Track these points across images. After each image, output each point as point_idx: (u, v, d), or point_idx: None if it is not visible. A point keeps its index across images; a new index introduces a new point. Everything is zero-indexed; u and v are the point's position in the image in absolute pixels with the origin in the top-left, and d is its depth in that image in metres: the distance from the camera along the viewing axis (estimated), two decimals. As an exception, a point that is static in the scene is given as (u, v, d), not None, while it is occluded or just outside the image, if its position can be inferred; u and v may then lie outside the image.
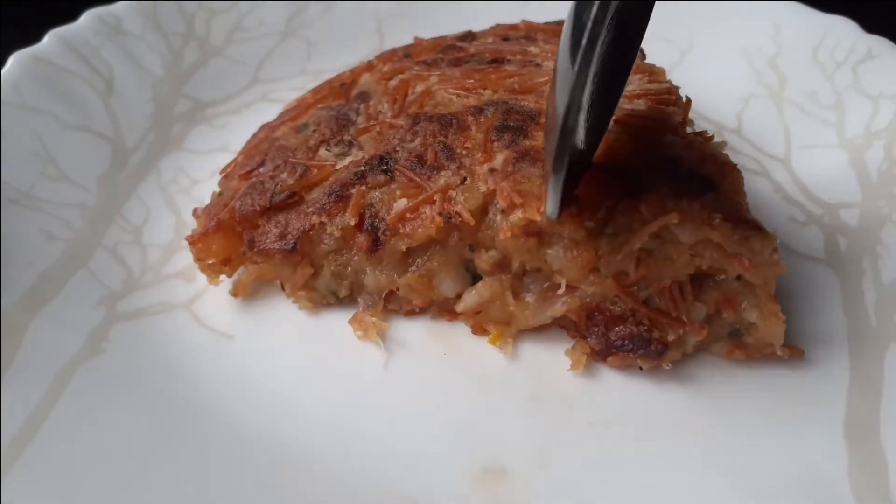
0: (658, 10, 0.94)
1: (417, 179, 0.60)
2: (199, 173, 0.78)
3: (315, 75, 0.91)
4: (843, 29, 0.87)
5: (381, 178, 0.61)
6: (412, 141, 0.62)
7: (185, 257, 0.69)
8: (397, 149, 0.62)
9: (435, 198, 0.58)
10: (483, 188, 0.57)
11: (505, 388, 0.59)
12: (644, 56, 0.77)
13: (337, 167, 0.63)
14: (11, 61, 0.76)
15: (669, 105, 0.64)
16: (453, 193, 0.58)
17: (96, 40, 0.82)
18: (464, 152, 0.60)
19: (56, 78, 0.77)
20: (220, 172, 0.70)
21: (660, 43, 0.80)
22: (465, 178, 0.58)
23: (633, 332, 0.57)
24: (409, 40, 0.94)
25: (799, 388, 0.58)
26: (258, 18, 0.94)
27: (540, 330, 0.62)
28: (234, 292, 0.64)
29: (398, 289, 0.61)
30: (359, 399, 0.58)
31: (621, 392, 0.59)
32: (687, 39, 0.93)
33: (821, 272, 0.68)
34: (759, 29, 0.91)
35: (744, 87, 0.88)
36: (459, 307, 0.61)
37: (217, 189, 0.69)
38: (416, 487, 0.52)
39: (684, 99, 0.64)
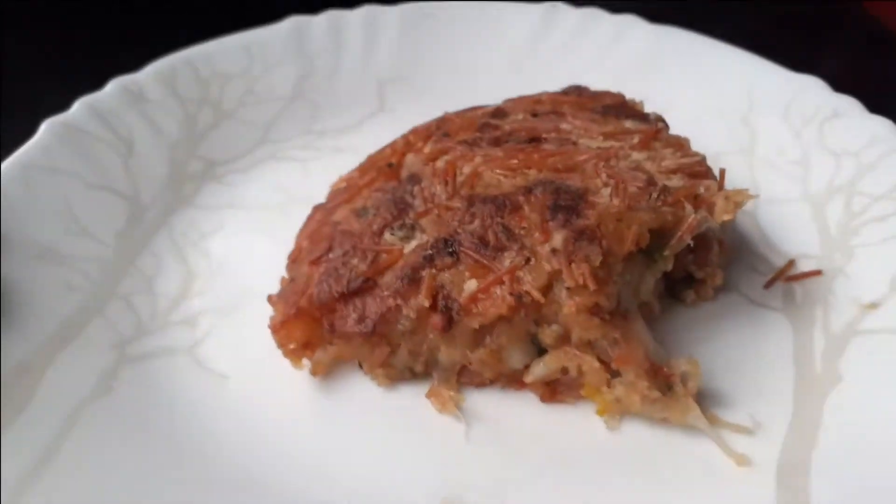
0: (641, 69, 1.01)
1: (484, 261, 0.64)
2: (207, 227, 0.85)
3: (318, 135, 0.99)
4: (812, 88, 0.92)
5: (449, 260, 0.65)
6: (471, 223, 0.67)
7: (191, 305, 0.76)
8: (458, 231, 0.67)
9: (504, 278, 0.63)
10: (548, 267, 0.62)
11: (468, 424, 0.65)
12: (668, 126, 0.82)
13: (405, 251, 0.68)
14: (44, 128, 0.85)
15: (701, 177, 0.70)
16: (520, 273, 0.63)
17: (120, 107, 0.91)
18: (522, 232, 0.65)
19: (83, 142, 0.86)
20: (288, 257, 0.75)
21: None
22: (528, 259, 0.63)
23: None
24: (407, 103, 1.02)
25: (742, 431, 0.63)
26: (268, 83, 1.02)
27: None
28: (314, 372, 0.68)
29: (470, 363, 0.66)
30: (328, 434, 0.64)
31: (580, 430, 0.64)
32: (667, 99, 0.98)
33: (776, 321, 0.73)
34: (734, 88, 0.97)
35: (718, 144, 0.92)
36: (528, 378, 0.66)
37: (284, 274, 0.74)
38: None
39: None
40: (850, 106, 0.89)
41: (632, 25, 1.05)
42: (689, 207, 0.66)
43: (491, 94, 0.92)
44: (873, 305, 0.71)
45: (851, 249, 0.76)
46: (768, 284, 0.76)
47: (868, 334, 0.69)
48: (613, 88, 0.90)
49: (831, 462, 0.59)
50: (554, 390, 0.66)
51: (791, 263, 0.78)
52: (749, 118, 0.94)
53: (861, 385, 0.64)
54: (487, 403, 0.67)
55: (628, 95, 0.88)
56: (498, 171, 0.72)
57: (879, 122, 0.85)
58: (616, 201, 0.66)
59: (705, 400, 0.66)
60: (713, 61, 1.00)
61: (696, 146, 0.87)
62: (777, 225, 0.83)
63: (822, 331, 0.70)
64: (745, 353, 0.70)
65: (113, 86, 0.93)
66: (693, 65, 1.01)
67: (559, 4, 1.09)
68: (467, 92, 0.97)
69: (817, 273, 0.76)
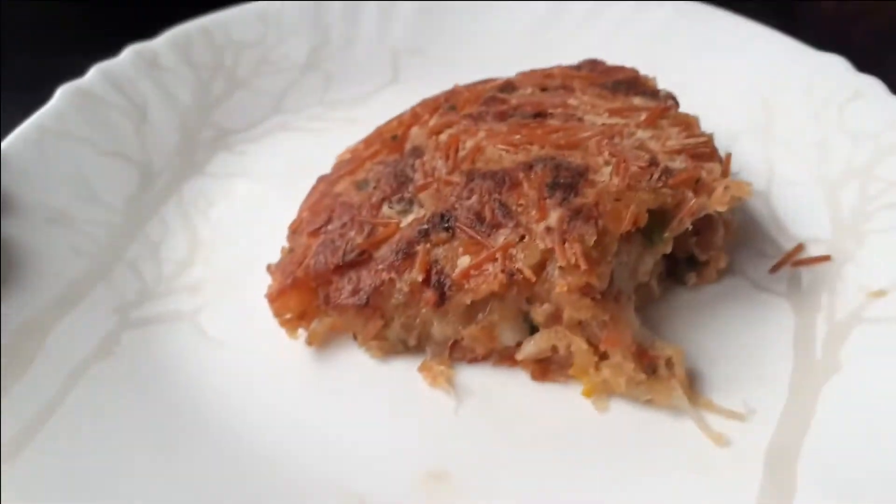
0: (660, 44, 0.99)
1: (478, 237, 0.64)
2: (216, 195, 0.86)
3: (331, 106, 0.99)
4: (834, 67, 0.89)
5: (444, 235, 0.66)
6: (469, 198, 0.67)
7: (195, 272, 0.78)
8: (456, 206, 0.67)
9: (497, 255, 0.63)
10: (541, 246, 0.62)
11: (458, 399, 0.65)
12: (677, 104, 0.80)
13: (401, 225, 0.68)
14: (58, 94, 0.86)
15: (706, 159, 0.69)
16: (513, 251, 0.63)
17: (134, 74, 0.92)
18: (519, 209, 0.65)
19: (96, 108, 0.87)
20: (289, 228, 0.76)
21: (658, 78, 0.85)
22: (523, 236, 0.63)
23: None
24: (421, 74, 1.02)
25: (734, 416, 0.62)
26: (283, 52, 1.02)
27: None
28: (309, 342, 0.70)
29: (463, 339, 0.67)
30: (320, 403, 0.65)
31: (569, 409, 0.64)
32: (686, 75, 0.96)
33: (779, 307, 0.71)
34: (754, 66, 0.94)
35: (734, 123, 0.91)
36: (519, 356, 0.66)
37: (285, 244, 0.75)
38: (366, 486, 0.58)
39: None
40: (872, 86, 0.86)
41: (652, -1, 1.03)
42: (689, 193, 0.65)
43: (506, 68, 0.91)
44: (881, 293, 0.69)
45: (863, 235, 0.74)
46: (774, 269, 0.75)
47: (872, 323, 0.67)
48: (631, 63, 0.88)
49: (821, 450, 0.58)
50: (545, 369, 0.66)
51: (800, 247, 0.76)
52: (768, 97, 0.91)
53: (860, 374, 0.63)
54: (479, 379, 0.67)
55: (646, 71, 0.87)
56: (500, 146, 0.72)
57: (902, 104, 0.83)
58: (616, 180, 0.65)
59: (701, 384, 0.65)
60: (734, 37, 0.97)
61: (712, 124, 0.86)
62: (789, 207, 0.81)
63: (826, 318, 0.69)
64: (745, 338, 0.69)
65: (128, 53, 0.94)
66: (713, 40, 0.98)
67: (579, -23, 1.07)
68: (481, 65, 0.96)
69: (826, 258, 0.74)
